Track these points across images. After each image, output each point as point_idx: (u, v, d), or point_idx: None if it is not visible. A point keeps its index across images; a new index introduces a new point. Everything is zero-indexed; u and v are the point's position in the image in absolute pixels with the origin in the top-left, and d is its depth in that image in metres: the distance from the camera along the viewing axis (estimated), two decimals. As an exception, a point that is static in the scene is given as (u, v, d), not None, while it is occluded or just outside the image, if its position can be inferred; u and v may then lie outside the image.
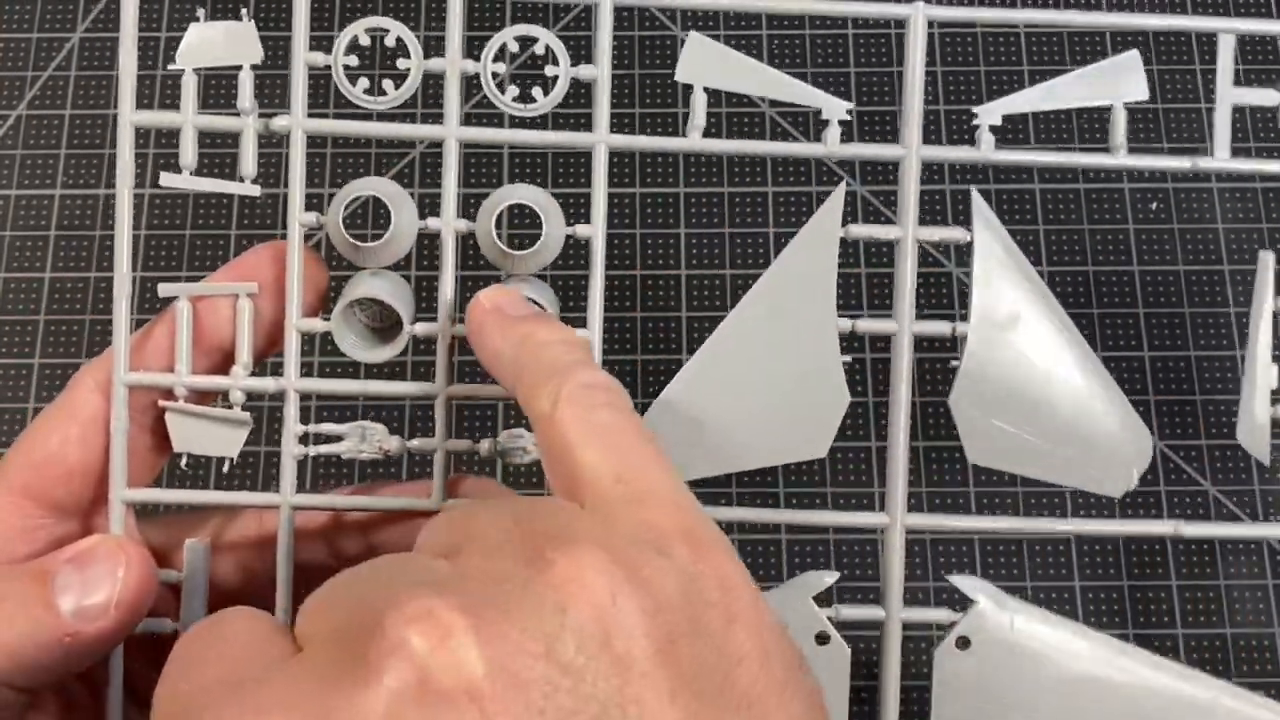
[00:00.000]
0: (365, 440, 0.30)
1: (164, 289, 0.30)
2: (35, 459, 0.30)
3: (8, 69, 0.49)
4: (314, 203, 0.30)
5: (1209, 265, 0.49)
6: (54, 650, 0.27)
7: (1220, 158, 0.30)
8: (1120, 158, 0.30)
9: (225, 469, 0.30)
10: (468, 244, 0.30)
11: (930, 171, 0.48)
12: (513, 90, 0.30)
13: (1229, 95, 0.30)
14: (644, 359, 0.47)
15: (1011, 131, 0.47)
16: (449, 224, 0.30)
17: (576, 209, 0.35)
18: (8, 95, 0.49)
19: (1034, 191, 0.48)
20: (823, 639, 0.30)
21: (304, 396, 0.30)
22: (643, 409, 0.30)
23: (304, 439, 0.30)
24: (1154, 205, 0.49)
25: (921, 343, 0.30)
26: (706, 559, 0.23)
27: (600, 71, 0.30)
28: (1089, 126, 0.50)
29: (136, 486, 0.30)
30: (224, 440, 0.30)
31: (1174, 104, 0.50)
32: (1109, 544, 0.45)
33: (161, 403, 0.30)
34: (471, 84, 0.30)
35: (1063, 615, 0.30)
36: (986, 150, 0.30)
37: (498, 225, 0.29)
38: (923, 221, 0.30)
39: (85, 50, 0.49)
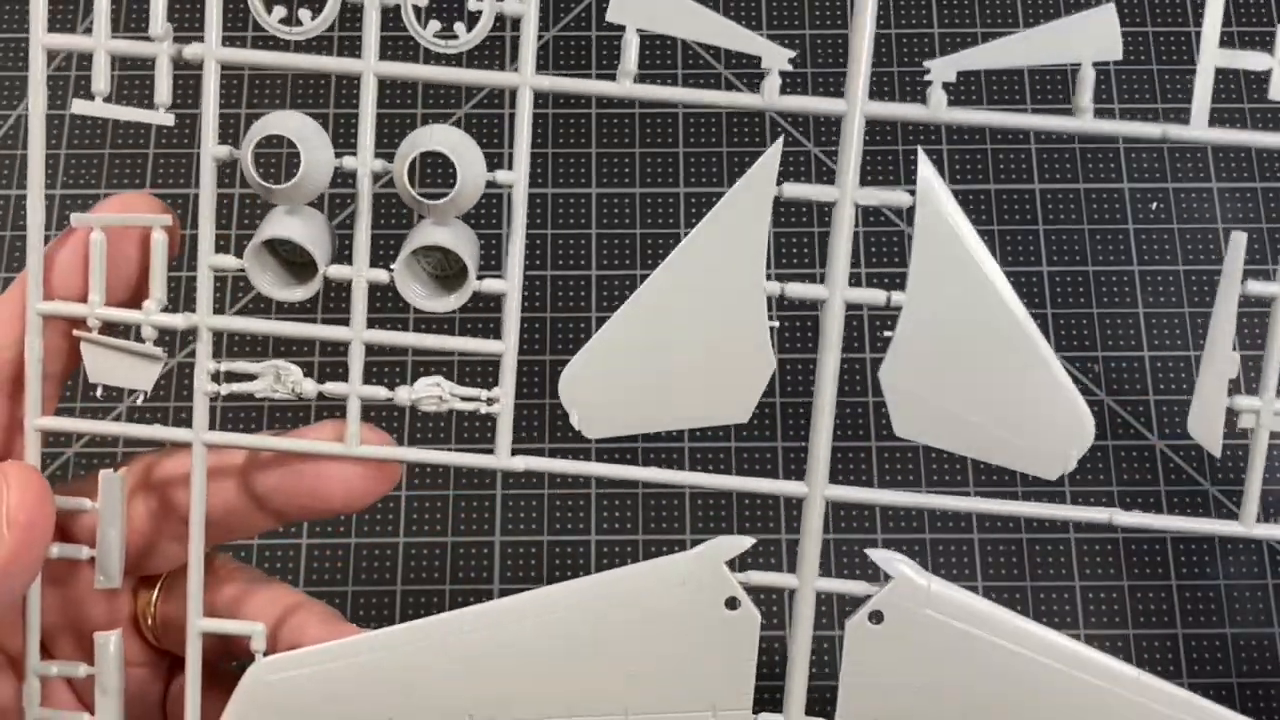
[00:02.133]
0: (280, 381, 0.30)
1: (76, 219, 0.29)
2: None
3: (8, 69, 0.49)
4: (234, 134, 0.29)
5: (1209, 265, 0.48)
6: None
7: (1196, 126, 0.28)
8: (1084, 121, 0.28)
9: (138, 401, 0.30)
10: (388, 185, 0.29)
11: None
12: (434, 25, 0.28)
13: (1213, 57, 0.28)
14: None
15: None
16: (365, 164, 0.29)
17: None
18: (8, 95, 0.49)
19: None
20: (732, 604, 0.30)
21: (218, 339, 0.29)
22: (560, 365, 0.29)
23: (216, 377, 0.29)
24: (1154, 205, 0.47)
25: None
26: None
27: (528, 7, 0.28)
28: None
29: None
30: (139, 374, 0.30)
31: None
32: (1108, 544, 0.45)
33: (76, 332, 0.29)
34: (390, 17, 0.28)
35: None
36: (936, 109, 0.28)
37: (412, 170, 0.28)
38: (872, 183, 0.28)
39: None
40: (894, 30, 0.48)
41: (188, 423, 0.30)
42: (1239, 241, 0.29)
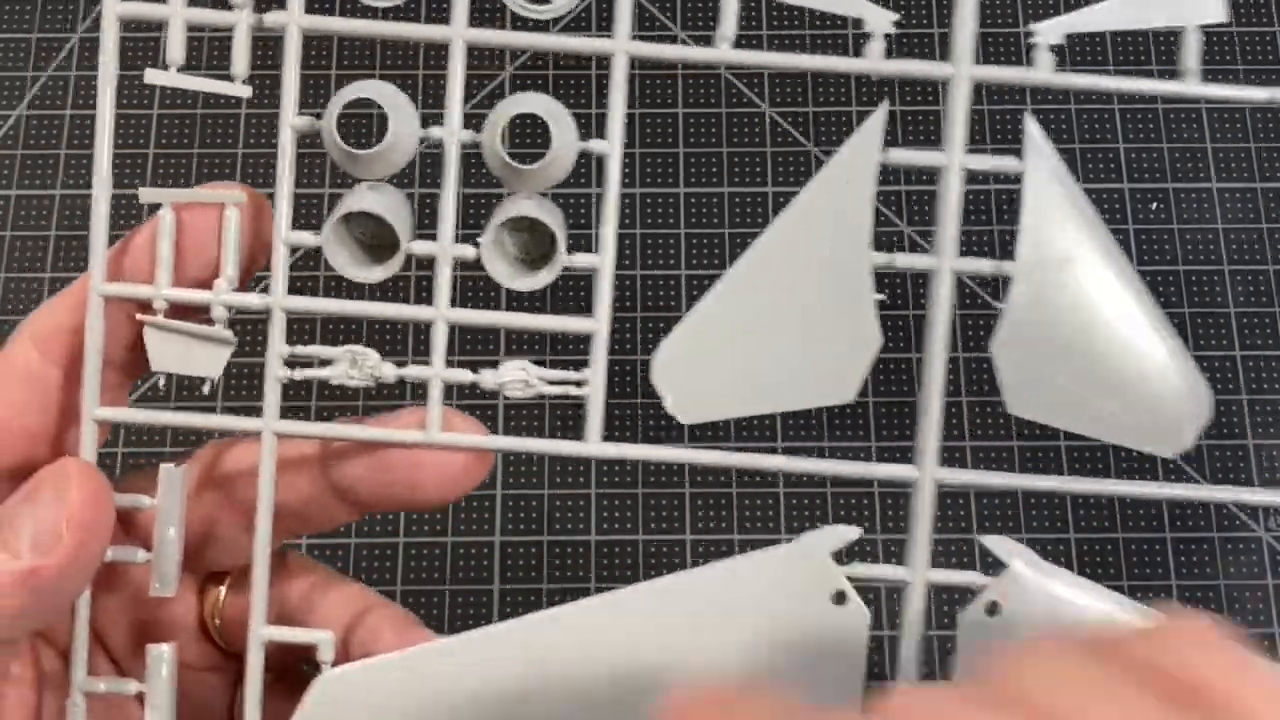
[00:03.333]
0: (356, 366, 0.28)
1: (145, 194, 0.27)
2: None
3: (8, 69, 0.48)
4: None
5: (1209, 265, 0.48)
6: (19, 593, 0.25)
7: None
8: (1193, 85, 0.27)
9: (206, 390, 0.28)
10: (470, 161, 0.28)
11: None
12: (527, -10, 0.27)
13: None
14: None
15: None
16: (453, 133, 0.27)
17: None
18: (8, 95, 0.48)
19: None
20: (840, 599, 0.28)
21: (293, 320, 0.28)
22: (644, 364, 0.28)
23: (290, 363, 0.28)
24: (1154, 205, 0.47)
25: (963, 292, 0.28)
26: None
27: (622, -28, 0.27)
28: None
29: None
30: (205, 360, 0.28)
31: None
32: (1107, 544, 0.44)
33: (139, 316, 0.28)
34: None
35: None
36: (1045, 72, 0.27)
37: (504, 138, 0.27)
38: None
39: (85, 50, 0.49)
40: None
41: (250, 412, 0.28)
42: None
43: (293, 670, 0.29)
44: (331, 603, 0.30)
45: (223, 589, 0.30)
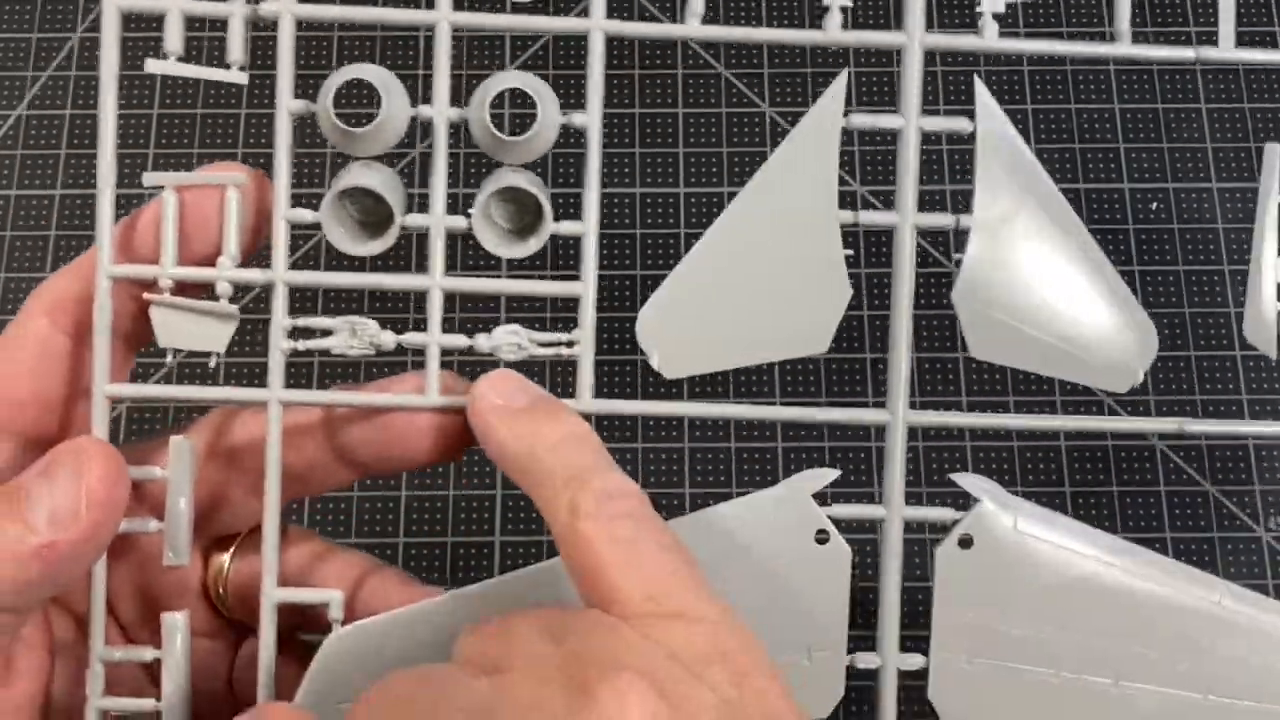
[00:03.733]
0: (356, 335, 0.29)
1: (148, 178, 0.29)
2: None
3: (8, 69, 0.49)
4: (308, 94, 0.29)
5: (1209, 265, 0.48)
6: (33, 565, 0.26)
7: (1224, 48, 0.30)
8: (1122, 46, 0.30)
9: (212, 363, 0.29)
10: (458, 137, 0.29)
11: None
12: (507, -26, 0.29)
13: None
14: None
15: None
16: (441, 111, 0.29)
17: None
18: (8, 95, 0.49)
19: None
20: (822, 538, 0.30)
21: (294, 295, 0.29)
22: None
23: (292, 334, 0.29)
24: (1154, 205, 0.49)
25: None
26: (746, 684, 0.23)
27: (596, -43, 0.29)
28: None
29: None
30: (211, 335, 0.29)
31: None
32: None
33: (146, 295, 0.29)
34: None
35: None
36: (990, 39, 0.29)
37: (491, 112, 0.29)
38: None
39: (85, 50, 0.49)
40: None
41: (249, 382, 0.29)
42: (1274, 151, 0.30)
43: (290, 643, 0.30)
44: (333, 568, 0.31)
45: (226, 556, 0.31)
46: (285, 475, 0.29)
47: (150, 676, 0.30)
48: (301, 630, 0.31)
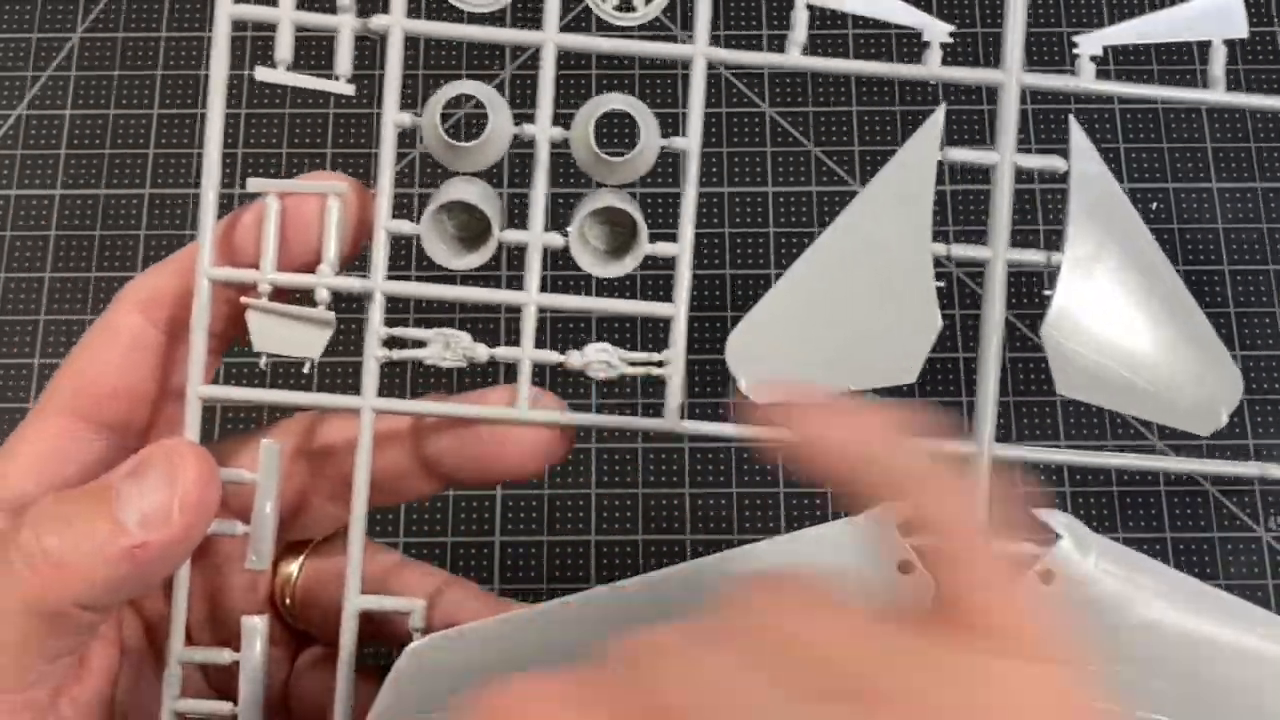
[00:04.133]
0: (449, 348, 0.30)
1: (253, 184, 0.29)
2: (78, 381, 0.29)
3: (8, 69, 0.49)
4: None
5: (1209, 265, 0.48)
6: (123, 565, 0.26)
7: (1319, 99, 0.30)
8: (1218, 94, 0.30)
9: (306, 369, 0.30)
10: (555, 161, 0.30)
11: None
12: (613, -1, 0.29)
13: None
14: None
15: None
16: (544, 129, 0.29)
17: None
18: (8, 95, 0.49)
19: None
20: (905, 568, 0.30)
21: (389, 306, 0.29)
22: (732, 323, 0.30)
23: (387, 344, 0.29)
24: (1154, 205, 0.49)
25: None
26: None
27: (702, -16, 0.29)
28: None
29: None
30: (306, 341, 0.29)
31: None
32: None
33: (243, 299, 0.29)
34: (567, -11, 0.30)
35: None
36: (1087, 80, 0.30)
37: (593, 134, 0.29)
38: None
39: (85, 50, 0.49)
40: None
41: (335, 386, 0.29)
42: None
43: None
44: (410, 579, 0.31)
45: (296, 564, 0.31)
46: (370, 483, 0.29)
47: (207, 680, 0.31)
48: (369, 643, 0.31)
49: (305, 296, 0.29)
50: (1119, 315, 0.30)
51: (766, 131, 0.48)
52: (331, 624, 0.32)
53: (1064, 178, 0.30)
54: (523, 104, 0.29)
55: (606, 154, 0.29)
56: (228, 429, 0.45)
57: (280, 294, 0.29)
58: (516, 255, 0.30)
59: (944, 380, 0.46)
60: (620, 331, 0.42)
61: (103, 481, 0.27)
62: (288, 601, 0.32)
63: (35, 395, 0.45)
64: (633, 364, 0.30)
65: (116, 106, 0.48)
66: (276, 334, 0.29)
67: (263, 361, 0.29)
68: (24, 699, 0.27)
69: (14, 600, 0.26)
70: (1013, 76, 0.30)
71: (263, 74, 0.29)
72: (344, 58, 0.29)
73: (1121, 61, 0.50)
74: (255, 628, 0.29)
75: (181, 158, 0.48)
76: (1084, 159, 0.30)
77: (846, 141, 0.48)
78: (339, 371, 0.43)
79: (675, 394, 0.30)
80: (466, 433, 0.29)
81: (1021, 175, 0.30)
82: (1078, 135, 0.30)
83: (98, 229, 0.47)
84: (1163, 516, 0.44)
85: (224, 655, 0.29)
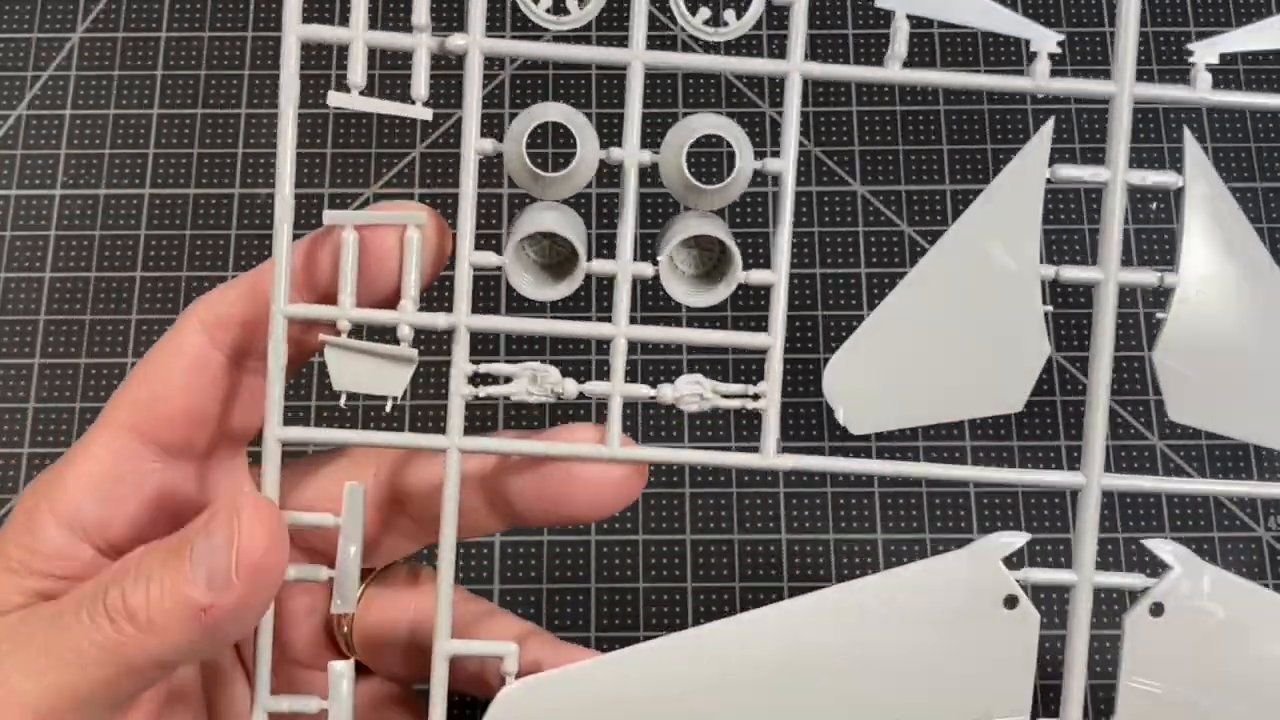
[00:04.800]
0: (537, 383, 0.28)
1: (330, 217, 0.28)
2: (140, 399, 0.28)
3: (8, 69, 0.48)
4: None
5: None
6: (195, 625, 0.25)
7: None
8: (1341, 102, 0.29)
9: (388, 408, 0.28)
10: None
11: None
12: (704, 13, 0.28)
13: None
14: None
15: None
16: (632, 155, 0.28)
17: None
18: (8, 95, 0.48)
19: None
20: (1011, 603, 0.29)
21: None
22: (823, 363, 0.29)
23: (473, 380, 0.28)
24: (1154, 205, 0.48)
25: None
26: None
27: (796, -5, 0.28)
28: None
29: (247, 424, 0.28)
30: (388, 378, 0.28)
31: None
32: (1107, 544, 0.44)
33: (323, 336, 0.28)
34: (657, 7, 0.28)
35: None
36: (1203, 91, 0.28)
37: (687, 161, 0.28)
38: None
39: (85, 50, 0.48)
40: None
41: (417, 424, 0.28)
42: None
43: (410, 694, 0.31)
44: (493, 628, 0.31)
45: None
46: (433, 518, 0.28)
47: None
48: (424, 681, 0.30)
49: (386, 333, 0.28)
50: (1232, 338, 0.29)
51: (767, 132, 0.47)
52: (386, 655, 0.31)
53: (1179, 194, 0.29)
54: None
55: (702, 181, 0.27)
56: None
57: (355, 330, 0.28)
58: (592, 287, 0.28)
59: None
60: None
61: (181, 535, 0.26)
62: (345, 629, 0.32)
63: (35, 396, 0.45)
64: (727, 396, 0.29)
65: (116, 106, 0.48)
66: (358, 372, 0.28)
67: (343, 401, 0.28)
68: None
69: (99, 653, 0.26)
70: (1125, 88, 0.28)
71: (335, 99, 0.28)
72: (420, 80, 0.28)
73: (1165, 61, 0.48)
74: (341, 672, 0.28)
75: (181, 158, 0.47)
76: (1200, 174, 0.28)
77: (847, 141, 0.47)
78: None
79: (772, 427, 0.28)
80: (548, 472, 0.28)
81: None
82: (1193, 148, 0.28)
83: (97, 229, 0.46)
84: (1163, 516, 0.44)
85: (312, 705, 0.28)
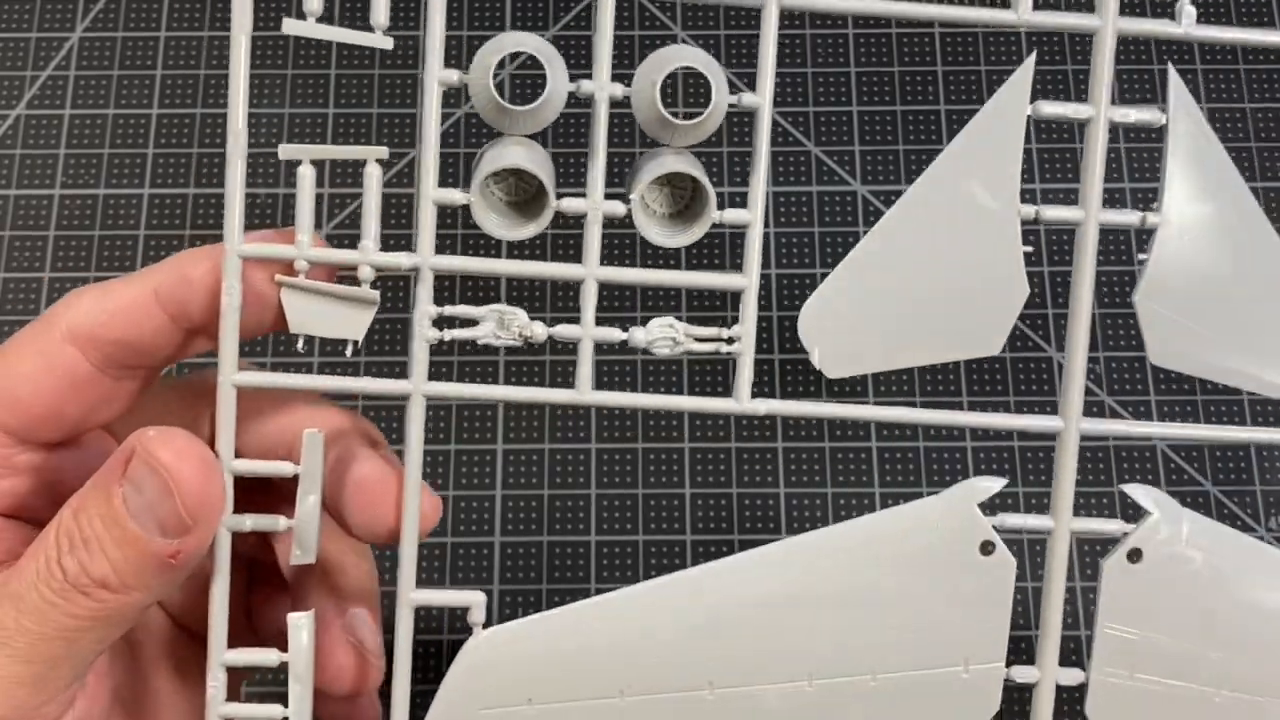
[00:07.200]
0: (504, 326, 0.27)
1: (285, 151, 0.26)
2: (7, 400, 0.27)
3: (7, 69, 0.48)
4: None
5: None
6: (168, 570, 0.26)
7: None
8: (1325, 38, 0.28)
9: (348, 352, 0.27)
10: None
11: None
12: (677, -60, 0.27)
13: None
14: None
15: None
16: (603, 87, 0.27)
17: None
18: (7, 95, 0.47)
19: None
20: (987, 548, 0.28)
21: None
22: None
23: (437, 323, 0.27)
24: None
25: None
26: None
27: (772, -78, 0.27)
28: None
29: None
30: (349, 322, 0.27)
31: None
32: (1106, 542, 0.44)
33: (278, 277, 0.27)
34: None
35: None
36: (1188, 26, 0.28)
37: (662, 94, 0.27)
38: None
39: (85, 50, 0.48)
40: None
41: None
42: None
43: (266, 568, 0.31)
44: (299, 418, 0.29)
45: None
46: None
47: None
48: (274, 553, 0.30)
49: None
50: (1215, 280, 0.28)
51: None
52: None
53: (1160, 133, 0.28)
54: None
55: (674, 114, 0.26)
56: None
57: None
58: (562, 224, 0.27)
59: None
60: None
61: (105, 489, 0.25)
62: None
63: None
64: (700, 340, 0.28)
65: (116, 106, 0.47)
66: (316, 315, 0.27)
67: (300, 344, 0.27)
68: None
69: (87, 623, 0.26)
70: (1109, 22, 0.27)
71: (290, 26, 0.26)
72: (380, 7, 0.26)
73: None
74: (300, 624, 0.28)
75: (181, 158, 0.47)
76: (1183, 113, 0.28)
77: (847, 141, 0.46)
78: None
79: (746, 372, 0.28)
80: (359, 494, 0.28)
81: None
82: (1177, 87, 0.28)
83: (97, 229, 0.46)
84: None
85: (271, 656, 0.28)
